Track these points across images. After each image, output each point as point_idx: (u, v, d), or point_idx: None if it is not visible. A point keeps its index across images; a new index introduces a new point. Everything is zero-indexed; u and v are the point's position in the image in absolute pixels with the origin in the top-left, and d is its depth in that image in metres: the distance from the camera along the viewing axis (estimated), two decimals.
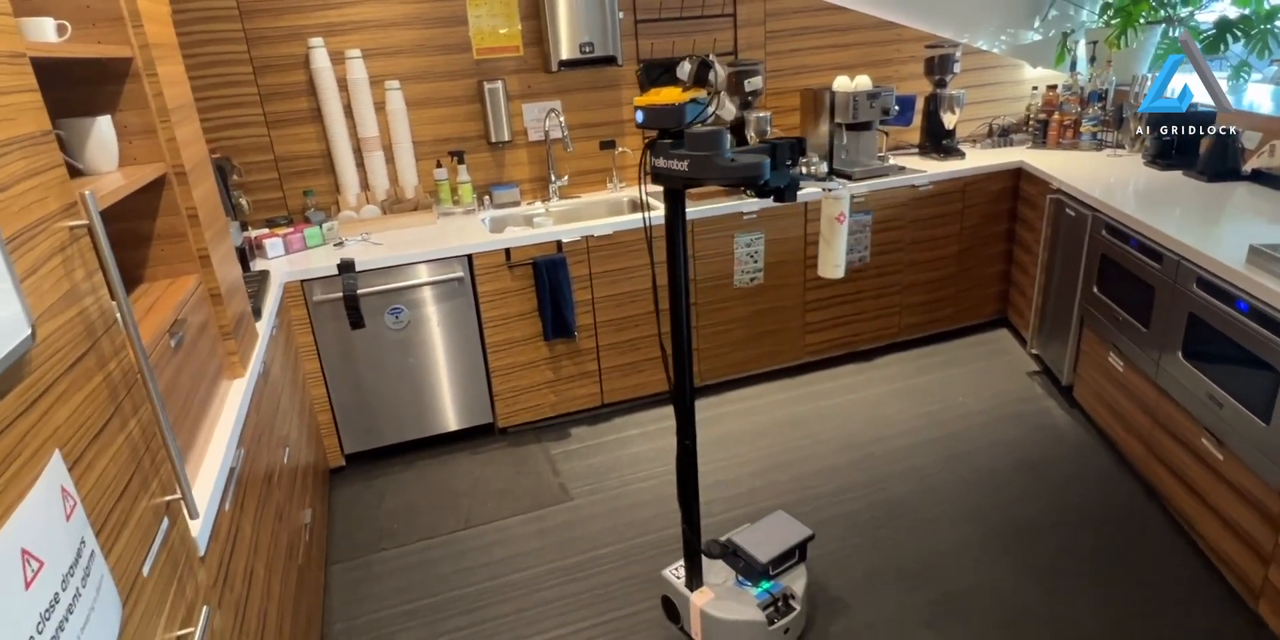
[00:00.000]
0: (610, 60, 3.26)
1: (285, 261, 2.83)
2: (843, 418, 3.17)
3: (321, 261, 2.79)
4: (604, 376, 3.26)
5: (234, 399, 1.74)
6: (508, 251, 2.94)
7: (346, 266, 2.74)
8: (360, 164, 3.19)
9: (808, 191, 3.23)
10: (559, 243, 3.00)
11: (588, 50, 3.21)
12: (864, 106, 3.36)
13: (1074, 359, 3.04)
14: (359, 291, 2.76)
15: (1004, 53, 4.05)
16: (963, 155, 3.73)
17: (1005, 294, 3.85)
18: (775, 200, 1.71)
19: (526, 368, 3.13)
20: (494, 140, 3.30)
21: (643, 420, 3.27)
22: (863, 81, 3.37)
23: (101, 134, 1.48)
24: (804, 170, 3.45)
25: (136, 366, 1.09)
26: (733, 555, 2.16)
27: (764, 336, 3.47)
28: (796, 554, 2.19)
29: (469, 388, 3.08)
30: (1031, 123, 3.97)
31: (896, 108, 3.40)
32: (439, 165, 3.29)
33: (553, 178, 3.44)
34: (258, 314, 2.20)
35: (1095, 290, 2.82)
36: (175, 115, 1.68)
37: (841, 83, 3.44)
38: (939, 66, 3.70)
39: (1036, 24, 4.15)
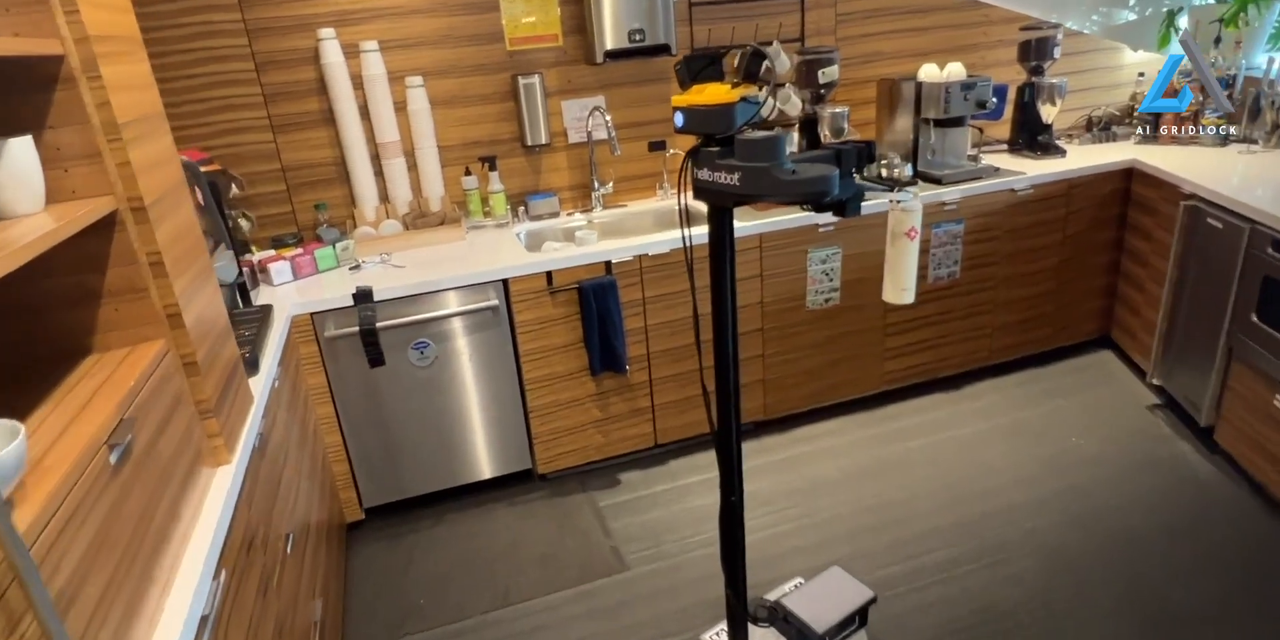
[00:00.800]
0: (663, 49, 2.82)
1: (294, 289, 2.44)
2: (939, 463, 2.73)
3: (335, 289, 2.39)
4: (657, 413, 2.84)
5: (215, 498, 1.34)
6: (549, 274, 2.52)
7: (363, 296, 2.34)
8: (379, 173, 2.79)
9: (875, 202, 2.79)
10: (608, 263, 2.57)
11: (638, 38, 2.77)
12: (957, 99, 2.89)
13: (1217, 396, 2.56)
14: (378, 324, 2.36)
15: (1096, 34, 3.55)
16: (1063, 153, 3.25)
17: (1108, 310, 3.37)
18: (835, 215, 1.39)
19: (570, 406, 2.71)
20: (530, 143, 2.87)
21: (701, 464, 2.85)
22: (955, 70, 2.90)
23: (16, 161, 1.08)
24: (883, 172, 3.01)
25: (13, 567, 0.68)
26: (783, 621, 1.90)
27: (839, 364, 3.03)
28: (856, 619, 1.94)
29: (505, 430, 2.67)
30: (1138, 114, 3.47)
31: (994, 100, 2.93)
32: (468, 173, 2.87)
33: (595, 185, 3.01)
34: (254, 367, 1.81)
35: (1254, 318, 2.35)
36: (130, 131, 1.28)
37: (929, 72, 2.97)
38: (1037, 51, 3.22)
39: (1132, 2, 3.65)
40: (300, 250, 2.55)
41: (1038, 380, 3.23)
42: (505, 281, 2.48)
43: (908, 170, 2.97)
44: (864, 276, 2.92)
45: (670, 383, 2.81)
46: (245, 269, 2.35)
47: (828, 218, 2.76)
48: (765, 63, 1.38)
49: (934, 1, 3.27)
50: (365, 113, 2.70)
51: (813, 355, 2.97)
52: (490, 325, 2.51)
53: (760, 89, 1.39)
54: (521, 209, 2.96)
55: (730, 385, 1.56)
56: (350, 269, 2.53)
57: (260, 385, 1.76)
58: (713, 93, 1.37)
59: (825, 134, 2.92)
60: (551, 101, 2.90)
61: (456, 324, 2.48)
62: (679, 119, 1.41)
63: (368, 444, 2.53)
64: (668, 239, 2.61)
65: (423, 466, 2.62)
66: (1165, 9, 3.72)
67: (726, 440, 1.61)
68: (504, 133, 2.90)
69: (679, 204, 1.53)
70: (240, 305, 2.18)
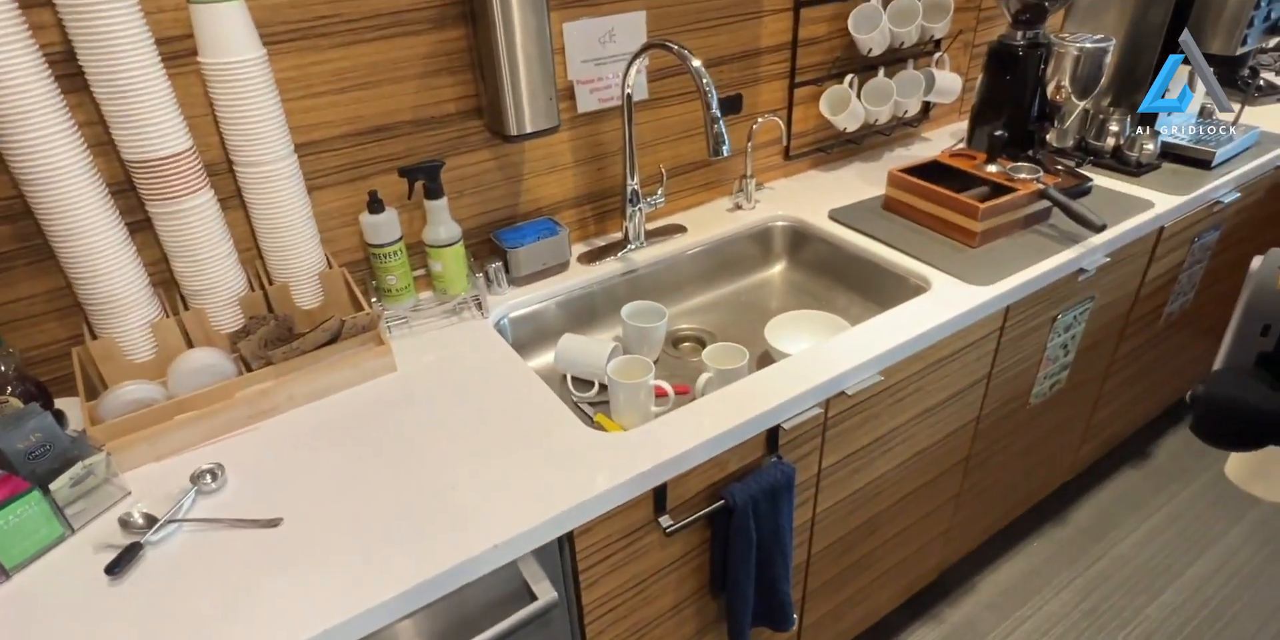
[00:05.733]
0: None
1: None
2: None
3: None
4: (803, 635, 1.48)
5: None
6: (660, 492, 0.99)
7: None
8: (145, 227, 1.03)
9: (1135, 221, 1.48)
10: (774, 431, 1.07)
11: None
12: (1260, 17, 1.52)
13: None
14: None
15: None
16: (1277, 92, 2.04)
17: None
18: None
19: None
20: (514, 132, 1.20)
21: None
22: None
23: None
24: (1115, 145, 1.67)
25: None
26: None
27: (1035, 469, 1.78)
28: None
29: None
30: None
31: None
32: (374, 203, 1.16)
33: (633, 193, 1.41)
34: None
35: None
36: None
37: None
38: None
39: None
40: None
41: None
42: (565, 540, 0.93)
43: (1155, 145, 1.63)
44: (1100, 340, 1.63)
45: (827, 590, 1.43)
46: None
47: (1097, 254, 1.39)
48: None
49: None
50: (81, 79, 0.91)
51: (1011, 468, 1.69)
52: (531, 632, 0.98)
53: None
54: (497, 267, 1.31)
55: None
56: (109, 562, 0.84)
57: None
58: None
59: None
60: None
61: None
62: None
63: None
64: (903, 342, 1.13)
65: None
66: None
67: None
68: (446, 103, 1.19)
69: None
70: None
